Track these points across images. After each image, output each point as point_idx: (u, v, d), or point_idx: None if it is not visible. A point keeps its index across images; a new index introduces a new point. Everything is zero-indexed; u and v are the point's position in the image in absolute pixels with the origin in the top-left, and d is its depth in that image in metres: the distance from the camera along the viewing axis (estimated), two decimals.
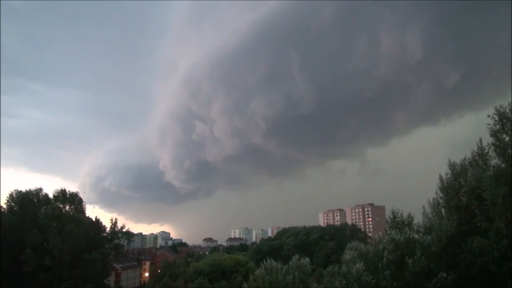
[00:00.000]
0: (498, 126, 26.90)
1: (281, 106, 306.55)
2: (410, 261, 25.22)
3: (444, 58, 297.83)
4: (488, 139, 28.91)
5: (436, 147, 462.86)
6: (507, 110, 26.52)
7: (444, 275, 24.56)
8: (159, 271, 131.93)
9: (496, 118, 26.96)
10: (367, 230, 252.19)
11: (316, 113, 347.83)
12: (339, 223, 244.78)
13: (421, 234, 29.06)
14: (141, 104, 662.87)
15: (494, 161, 28.40)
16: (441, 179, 32.05)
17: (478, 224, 28.20)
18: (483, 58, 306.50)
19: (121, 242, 74.61)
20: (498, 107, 27.01)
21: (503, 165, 27.23)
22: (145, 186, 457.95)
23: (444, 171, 32.31)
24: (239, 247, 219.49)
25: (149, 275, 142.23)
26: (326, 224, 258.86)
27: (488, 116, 27.43)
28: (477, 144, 29.79)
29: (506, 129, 26.41)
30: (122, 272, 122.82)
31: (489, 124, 27.45)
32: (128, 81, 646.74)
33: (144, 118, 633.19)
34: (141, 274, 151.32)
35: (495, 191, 25.49)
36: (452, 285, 24.83)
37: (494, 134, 27.34)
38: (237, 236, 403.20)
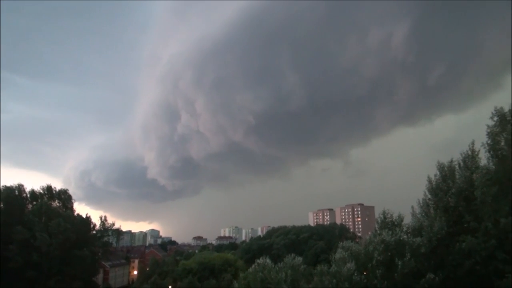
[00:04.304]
0: (497, 128, 27.15)
1: (268, 103, 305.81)
2: (399, 262, 25.48)
3: (426, 58, 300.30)
4: (469, 141, 29.49)
5: (416, 147, 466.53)
6: (508, 112, 26.76)
7: (432, 276, 24.84)
8: (147, 269, 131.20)
9: (495, 119, 27.22)
10: (356, 230, 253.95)
11: (301, 111, 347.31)
12: (328, 222, 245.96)
13: (410, 235, 29.34)
14: (127, 98, 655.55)
15: (484, 162, 28.79)
16: (429, 180, 32.33)
17: (465, 225, 28.63)
18: (462, 58, 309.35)
19: (110, 240, 74.26)
20: (498, 108, 27.23)
21: (492, 167, 27.65)
22: (132, 182, 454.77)
23: (426, 171, 32.66)
24: (228, 245, 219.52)
25: (138, 273, 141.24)
26: (315, 223, 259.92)
27: (490, 118, 27.53)
28: (469, 145, 30.13)
29: (506, 131, 26.67)
30: (110, 270, 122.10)
31: (488, 125, 27.70)
32: (113, 75, 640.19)
33: (130, 112, 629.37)
34: (129, 272, 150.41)
35: (486, 191, 25.90)
36: (439, 286, 25.15)
37: (491, 135, 27.61)
38: (227, 234, 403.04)
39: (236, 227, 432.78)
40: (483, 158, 29.01)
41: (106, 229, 69.49)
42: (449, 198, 30.55)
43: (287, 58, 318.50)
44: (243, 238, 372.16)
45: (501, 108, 27.18)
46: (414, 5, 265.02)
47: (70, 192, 68.57)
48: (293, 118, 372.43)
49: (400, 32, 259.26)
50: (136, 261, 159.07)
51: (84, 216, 67.95)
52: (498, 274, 24.09)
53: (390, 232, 28.07)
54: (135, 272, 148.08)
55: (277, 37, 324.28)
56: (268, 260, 31.87)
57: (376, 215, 33.62)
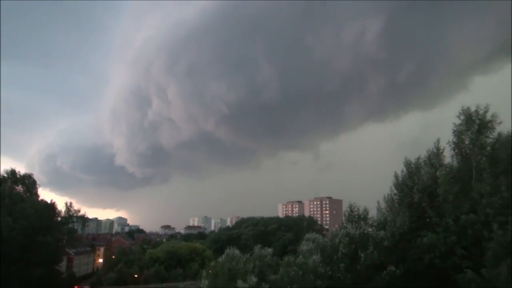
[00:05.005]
0: (462, 127, 28.06)
1: (241, 93, 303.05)
2: (362, 254, 26.17)
3: (397, 55, 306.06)
4: (434, 138, 30.50)
5: (384, 143, 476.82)
6: (474, 112, 27.66)
7: (394, 268, 25.61)
8: (113, 257, 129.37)
9: (462, 118, 28.11)
10: (324, 222, 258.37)
11: (274, 103, 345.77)
12: (297, 214, 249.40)
13: (375, 228, 30.15)
14: (96, 82, 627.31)
15: (448, 160, 29.81)
16: (396, 176, 33.25)
17: (428, 221, 29.70)
18: (431, 58, 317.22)
19: (75, 227, 72.64)
20: (465, 108, 28.10)
21: (456, 164, 28.68)
22: (100, 169, 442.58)
23: (393, 167, 33.57)
24: (197, 235, 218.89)
25: (103, 261, 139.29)
26: (284, 215, 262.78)
27: (457, 116, 28.38)
28: (434, 143, 31.10)
29: (471, 130, 27.60)
30: (74, 257, 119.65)
31: (454, 124, 28.57)
32: (81, 57, 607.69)
33: (99, 96, 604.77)
34: (94, 260, 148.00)
35: (448, 188, 26.87)
36: (400, 279, 26.01)
37: (457, 133, 28.53)
38: (196, 224, 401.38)
39: (205, 217, 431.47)
40: (448, 156, 30.03)
41: (71, 216, 67.74)
42: (414, 194, 31.55)
43: (263, 49, 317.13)
44: (212, 228, 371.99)
45: (468, 108, 28.11)
46: (388, 2, 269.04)
47: (34, 177, 66.71)
48: (265, 110, 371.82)
49: (373, 28, 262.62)
50: (102, 249, 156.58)
51: (48, 202, 65.96)
52: (456, 268, 25.05)
53: (355, 225, 28.73)
54: (101, 260, 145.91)
55: (253, 27, 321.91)
56: (236, 251, 32.02)
57: (344, 209, 34.31)
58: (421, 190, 30.75)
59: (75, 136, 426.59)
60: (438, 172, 29.47)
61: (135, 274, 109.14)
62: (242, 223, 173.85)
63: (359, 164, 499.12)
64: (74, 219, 69.41)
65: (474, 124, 27.44)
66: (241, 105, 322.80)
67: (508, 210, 22.94)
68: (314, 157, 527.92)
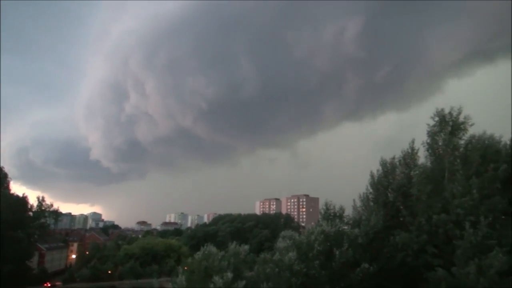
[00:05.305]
0: (436, 128, 28.65)
1: (220, 89, 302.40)
2: (337, 252, 26.49)
3: (375, 56, 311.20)
4: (409, 139, 31.13)
5: (360, 142, 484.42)
6: (447, 114, 28.27)
7: (367, 266, 26.05)
8: (87, 253, 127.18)
9: (436, 119, 28.69)
10: (301, 220, 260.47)
11: (253, 100, 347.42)
12: (274, 212, 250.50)
13: (350, 226, 30.55)
14: (71, 74, 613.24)
15: (422, 160, 30.44)
16: (372, 175, 33.77)
17: (402, 220, 30.31)
18: (408, 60, 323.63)
19: (48, 222, 71.04)
20: (439, 110, 28.68)
21: (429, 165, 29.31)
22: (74, 163, 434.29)
23: (368, 167, 34.17)
24: (173, 231, 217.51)
25: (76, 257, 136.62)
26: (262, 212, 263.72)
27: (432, 117, 28.95)
28: (409, 144, 31.69)
29: (444, 131, 28.21)
30: (46, 253, 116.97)
31: (428, 124, 29.14)
32: (57, 48, 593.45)
33: (74, 88, 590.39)
34: (67, 256, 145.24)
35: (421, 188, 27.46)
36: (373, 276, 26.47)
37: (431, 134, 29.12)
38: (172, 220, 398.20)
39: (182, 213, 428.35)
40: (422, 157, 30.66)
41: (44, 211, 66.21)
42: (389, 194, 32.16)
43: (243, 45, 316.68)
44: (189, 224, 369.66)
45: (442, 109, 28.72)
46: (368, 4, 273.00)
47: (5, 170, 64.85)
48: (244, 107, 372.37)
49: (353, 28, 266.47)
50: (75, 244, 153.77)
51: (20, 196, 64.16)
52: (427, 266, 25.65)
53: (330, 223, 29.05)
54: (74, 256, 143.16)
55: (234, 23, 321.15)
56: (213, 248, 31.85)
57: (320, 207, 34.65)
58: (396, 189, 31.37)
59: (48, 129, 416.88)
60: (412, 172, 30.12)
61: (109, 270, 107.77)
62: (219, 219, 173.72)
63: (336, 163, 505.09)
64: (47, 214, 67.92)
65: (447, 126, 28.05)
66: (220, 101, 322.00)
67: (478, 210, 23.62)
68: (292, 155, 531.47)
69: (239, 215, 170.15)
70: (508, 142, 27.91)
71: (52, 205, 67.98)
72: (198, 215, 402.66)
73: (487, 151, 26.34)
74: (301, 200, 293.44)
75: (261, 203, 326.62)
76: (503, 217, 23.89)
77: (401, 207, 30.50)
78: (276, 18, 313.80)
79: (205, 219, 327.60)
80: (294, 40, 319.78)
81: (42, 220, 67.86)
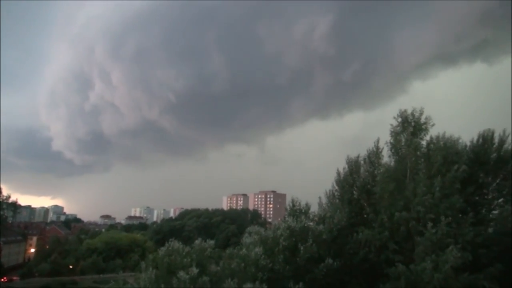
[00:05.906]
0: (399, 128, 29.45)
1: (189, 82, 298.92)
2: (302, 247, 26.92)
3: (343, 54, 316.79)
4: (374, 138, 31.98)
5: (327, 140, 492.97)
6: (410, 115, 29.11)
7: (331, 261, 26.61)
8: (47, 247, 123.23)
9: (399, 120, 29.48)
10: (268, 216, 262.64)
11: (222, 94, 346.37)
12: (242, 207, 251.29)
13: (315, 222, 31.06)
14: (33, 59, 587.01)
15: (385, 159, 31.30)
16: (338, 173, 34.45)
17: (365, 217, 31.14)
18: (375, 59, 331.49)
19: (5, 214, 68.39)
20: (402, 110, 29.48)
21: (392, 164, 30.18)
22: (34, 153, 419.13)
23: (335, 164, 34.89)
24: (138, 226, 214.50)
25: (36, 251, 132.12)
26: (229, 207, 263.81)
27: (394, 117, 29.69)
28: (374, 143, 32.50)
29: (406, 131, 29.04)
30: (3, 247, 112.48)
31: (391, 125, 29.91)
32: (16, 32, 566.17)
33: (36, 75, 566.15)
34: (26, 250, 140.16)
35: (384, 186, 28.27)
36: (336, 271, 27.08)
37: (394, 134, 29.91)
38: (137, 215, 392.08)
39: (147, 207, 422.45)
40: (386, 156, 31.52)
41: (0, 202, 63.66)
42: (354, 191, 32.92)
43: (214, 39, 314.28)
44: (155, 218, 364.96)
45: (405, 110, 29.59)
46: (339, 3, 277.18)
47: None
48: (213, 101, 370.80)
49: (323, 26, 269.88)
50: (35, 238, 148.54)
51: None
52: (388, 262, 26.48)
53: (296, 219, 29.45)
54: (33, 250, 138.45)
55: (205, 15, 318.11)
56: (177, 244, 31.50)
57: (287, 203, 35.10)
58: (360, 187, 32.15)
59: (7, 117, 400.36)
60: (376, 170, 30.94)
61: (71, 265, 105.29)
62: (185, 214, 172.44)
63: (303, 160, 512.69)
64: (4, 206, 65.37)
65: (409, 126, 28.93)
66: (189, 94, 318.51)
67: (438, 208, 24.58)
68: (259, 151, 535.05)
69: (206, 210, 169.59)
70: (468, 143, 29.18)
71: (9, 197, 65.61)
72: (164, 210, 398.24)
73: (448, 152, 27.36)
74: (268, 196, 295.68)
75: (229, 199, 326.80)
76: (460, 215, 24.92)
77: (365, 205, 31.33)
78: (247, 13, 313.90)
79: (172, 214, 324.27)
80: (265, 35, 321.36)
81: None
